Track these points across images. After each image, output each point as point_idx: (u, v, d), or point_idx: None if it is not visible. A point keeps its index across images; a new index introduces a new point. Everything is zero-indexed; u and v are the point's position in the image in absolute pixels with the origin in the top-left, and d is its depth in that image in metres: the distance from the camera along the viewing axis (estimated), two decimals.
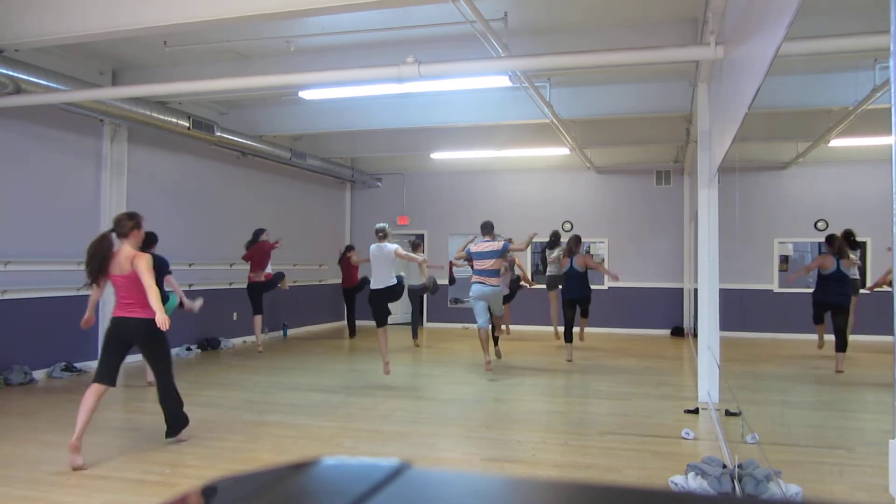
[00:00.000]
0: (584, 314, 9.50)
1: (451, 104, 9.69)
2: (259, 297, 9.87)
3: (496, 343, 8.77)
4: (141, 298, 4.77)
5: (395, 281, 7.41)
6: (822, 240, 9.02)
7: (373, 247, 7.46)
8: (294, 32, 7.25)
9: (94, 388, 4.72)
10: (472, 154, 12.65)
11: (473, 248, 8.20)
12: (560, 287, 9.77)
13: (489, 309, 8.28)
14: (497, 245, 8.09)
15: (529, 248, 13.62)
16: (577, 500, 0.75)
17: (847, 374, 7.09)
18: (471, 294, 8.19)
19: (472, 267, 8.28)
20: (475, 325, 8.39)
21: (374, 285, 7.39)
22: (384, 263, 7.33)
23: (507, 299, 9.83)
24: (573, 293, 9.23)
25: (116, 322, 4.87)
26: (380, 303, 7.41)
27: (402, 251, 7.39)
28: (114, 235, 4.90)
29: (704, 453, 4.53)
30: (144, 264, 4.76)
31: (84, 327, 5.13)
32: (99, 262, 4.82)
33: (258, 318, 9.93)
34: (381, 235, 7.43)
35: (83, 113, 7.82)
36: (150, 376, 6.80)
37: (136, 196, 9.12)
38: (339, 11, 5.41)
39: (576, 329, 9.44)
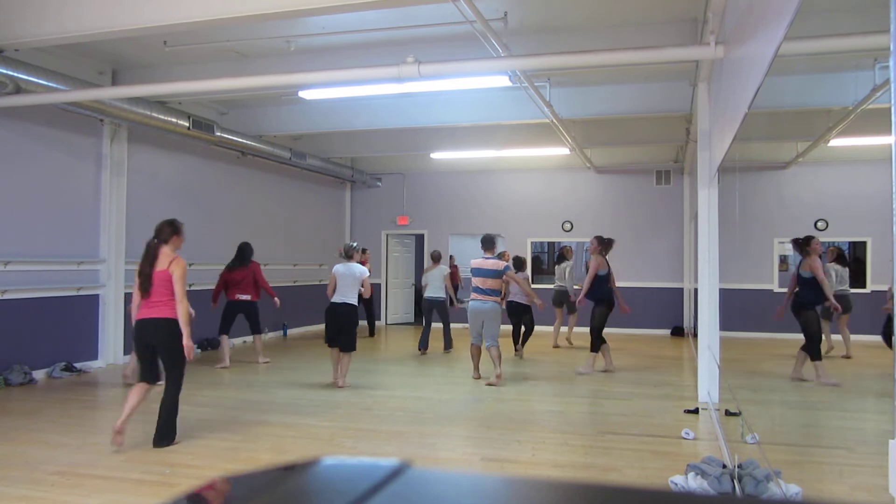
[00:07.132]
0: None
1: (451, 104, 9.68)
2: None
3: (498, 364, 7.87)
4: (166, 298, 4.82)
5: (355, 300, 7.34)
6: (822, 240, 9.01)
7: (340, 266, 7.34)
8: (294, 32, 7.25)
9: (137, 388, 4.91)
10: (472, 154, 12.65)
11: (473, 263, 7.85)
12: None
13: (483, 330, 7.78)
14: (499, 265, 7.75)
15: (529, 257, 13.52)
16: (577, 500, 0.75)
17: (847, 374, 7.09)
18: (468, 310, 7.88)
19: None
20: None
21: (335, 299, 7.31)
22: (350, 282, 7.29)
23: (525, 334, 9.68)
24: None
25: (140, 324, 4.90)
26: (334, 318, 7.32)
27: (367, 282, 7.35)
28: (156, 242, 4.95)
29: (704, 453, 4.54)
30: (180, 271, 4.82)
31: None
32: (149, 272, 4.85)
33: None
34: (346, 256, 7.43)
35: (83, 113, 7.82)
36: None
37: (136, 196, 9.13)
38: (339, 11, 5.42)
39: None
